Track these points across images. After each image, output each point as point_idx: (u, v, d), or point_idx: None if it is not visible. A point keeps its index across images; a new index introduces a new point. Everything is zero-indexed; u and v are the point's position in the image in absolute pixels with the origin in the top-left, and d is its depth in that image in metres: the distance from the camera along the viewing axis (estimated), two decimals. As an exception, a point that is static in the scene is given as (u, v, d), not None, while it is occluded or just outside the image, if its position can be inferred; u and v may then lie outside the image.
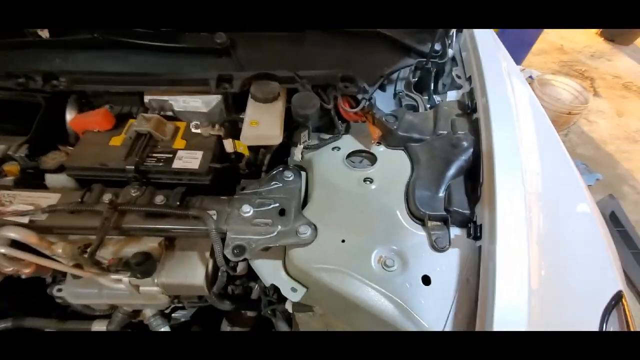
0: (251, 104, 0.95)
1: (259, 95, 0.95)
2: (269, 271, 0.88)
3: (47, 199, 0.89)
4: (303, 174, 1.00)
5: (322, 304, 0.88)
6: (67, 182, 0.98)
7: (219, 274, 0.89)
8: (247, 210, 0.89)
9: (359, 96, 1.02)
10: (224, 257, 0.84)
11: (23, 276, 0.95)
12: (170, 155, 0.93)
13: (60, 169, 0.96)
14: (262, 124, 0.91)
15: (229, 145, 1.02)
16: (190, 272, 0.93)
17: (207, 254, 0.97)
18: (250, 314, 1.33)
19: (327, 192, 0.92)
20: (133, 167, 0.88)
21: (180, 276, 0.92)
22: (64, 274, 1.10)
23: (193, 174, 0.91)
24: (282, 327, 1.03)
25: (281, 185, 0.99)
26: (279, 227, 0.88)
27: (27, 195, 0.90)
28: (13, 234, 0.82)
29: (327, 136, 1.07)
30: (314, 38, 1.11)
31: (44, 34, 0.93)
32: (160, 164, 0.91)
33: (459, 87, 1.14)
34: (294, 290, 0.86)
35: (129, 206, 0.85)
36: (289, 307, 0.99)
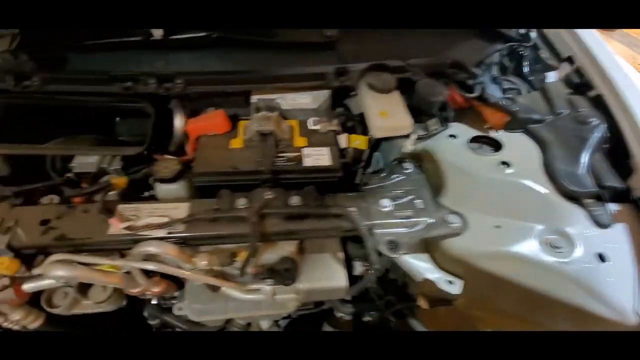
0: (369, 96, 0.92)
1: (379, 85, 0.92)
2: (422, 265, 0.85)
3: (176, 209, 0.83)
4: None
5: (476, 295, 0.86)
6: (181, 192, 0.92)
7: (369, 273, 0.85)
8: (386, 204, 0.86)
9: (469, 82, 1.01)
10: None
11: (148, 296, 0.88)
12: (297, 154, 0.89)
13: (175, 178, 0.90)
14: (392, 115, 0.88)
15: (343, 140, 0.98)
16: (330, 275, 0.89)
17: (340, 254, 0.93)
18: (347, 316, 1.29)
19: (461, 179, 0.90)
20: (267, 168, 0.83)
21: (321, 280, 0.88)
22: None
23: (326, 171, 0.87)
24: (418, 326, 1.01)
25: (403, 177, 0.97)
26: (425, 218, 0.85)
27: (153, 208, 0.84)
28: (154, 248, 0.76)
29: (433, 126, 1.05)
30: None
31: (158, 32, 0.86)
32: (290, 163, 0.86)
33: (553, 69, 1.15)
34: (451, 283, 0.84)
35: (274, 209, 0.81)
36: (423, 304, 0.96)
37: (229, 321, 1.07)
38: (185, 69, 0.91)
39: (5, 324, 0.84)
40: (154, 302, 1.11)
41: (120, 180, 0.91)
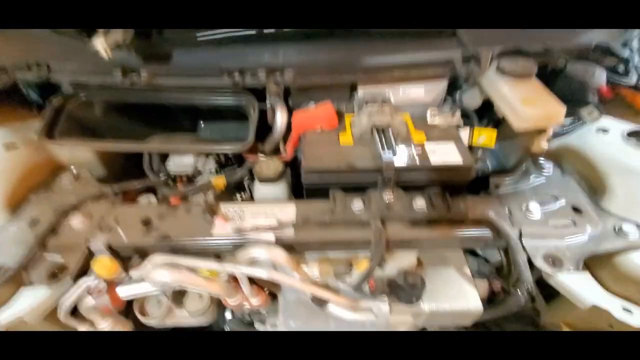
0: (504, 83, 0.78)
1: (518, 70, 0.78)
2: (586, 288, 0.67)
3: (283, 210, 0.73)
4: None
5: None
6: (281, 194, 0.83)
7: (516, 293, 0.68)
8: (536, 209, 0.70)
9: (619, 67, 0.84)
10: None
11: (246, 309, 0.78)
12: (420, 151, 0.76)
13: (278, 178, 0.81)
14: (539, 102, 0.73)
15: (465, 136, 0.84)
16: (460, 294, 0.73)
17: (466, 269, 0.77)
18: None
19: (630, 181, 0.72)
20: (389, 165, 0.71)
21: (450, 300, 0.72)
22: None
23: (457, 170, 0.73)
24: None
25: (543, 179, 0.80)
26: (588, 227, 0.68)
27: (257, 208, 0.74)
28: (264, 253, 0.65)
29: (590, 115, 0.87)
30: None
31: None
32: (414, 160, 0.74)
33: None
34: (627, 311, 0.64)
35: (398, 213, 0.68)
36: (570, 335, 0.77)
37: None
38: (293, 61, 0.83)
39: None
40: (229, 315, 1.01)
41: (220, 181, 0.84)
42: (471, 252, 0.91)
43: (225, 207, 0.75)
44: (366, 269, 0.64)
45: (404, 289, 0.68)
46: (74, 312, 0.72)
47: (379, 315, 0.73)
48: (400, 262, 0.73)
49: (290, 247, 0.70)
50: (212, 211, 0.72)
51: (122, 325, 0.79)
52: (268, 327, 0.88)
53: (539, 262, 0.64)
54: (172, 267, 0.64)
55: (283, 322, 0.82)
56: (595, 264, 0.70)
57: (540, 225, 0.69)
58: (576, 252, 0.65)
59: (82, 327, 0.76)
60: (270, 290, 0.86)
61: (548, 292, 0.86)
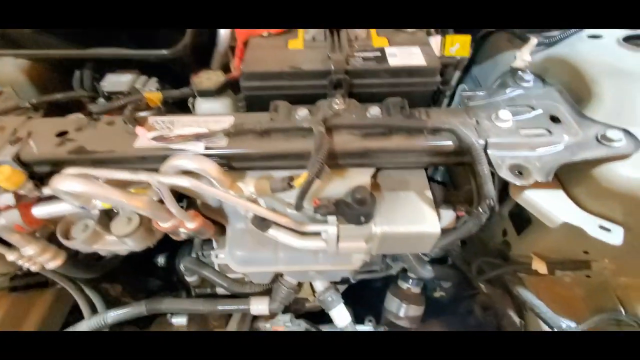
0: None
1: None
2: (557, 204, 0.59)
3: (218, 122, 0.63)
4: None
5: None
6: (224, 108, 0.73)
7: (475, 212, 0.59)
8: (507, 117, 0.61)
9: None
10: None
11: (182, 235, 0.70)
12: (378, 53, 0.65)
13: (219, 91, 0.71)
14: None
15: (435, 44, 0.73)
16: (417, 217, 0.65)
17: (427, 192, 0.69)
18: (416, 289, 1.05)
19: (621, 85, 0.62)
20: (339, 67, 0.61)
21: (404, 222, 0.64)
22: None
23: (420, 74, 0.63)
24: (528, 295, 0.74)
25: (522, 91, 0.70)
26: (565, 136, 0.58)
27: (190, 120, 0.65)
28: (188, 163, 0.56)
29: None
30: None
31: None
32: (370, 62, 0.63)
33: None
34: (606, 230, 0.57)
35: (347, 121, 0.59)
36: (541, 267, 0.70)
37: (277, 279, 0.87)
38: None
39: (22, 262, 0.71)
40: (193, 255, 0.95)
41: (155, 96, 0.74)
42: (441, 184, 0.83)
43: (153, 119, 0.65)
44: (305, 180, 0.56)
45: (352, 207, 0.59)
46: None
47: (328, 240, 0.66)
48: (351, 181, 0.64)
49: (224, 163, 0.61)
50: (136, 122, 0.63)
51: (53, 254, 0.72)
52: (219, 260, 0.81)
53: (504, 173, 0.55)
54: (83, 178, 0.56)
55: (229, 252, 0.76)
56: (571, 180, 0.61)
57: (510, 134, 0.59)
58: (548, 162, 0.56)
59: (10, 255, 0.70)
60: (218, 221, 0.79)
61: (520, 225, 0.79)
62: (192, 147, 0.59)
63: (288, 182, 0.58)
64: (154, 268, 1.18)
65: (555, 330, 0.69)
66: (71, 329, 0.86)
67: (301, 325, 0.92)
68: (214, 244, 0.87)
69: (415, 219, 0.65)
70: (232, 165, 0.62)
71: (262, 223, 0.64)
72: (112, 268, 1.02)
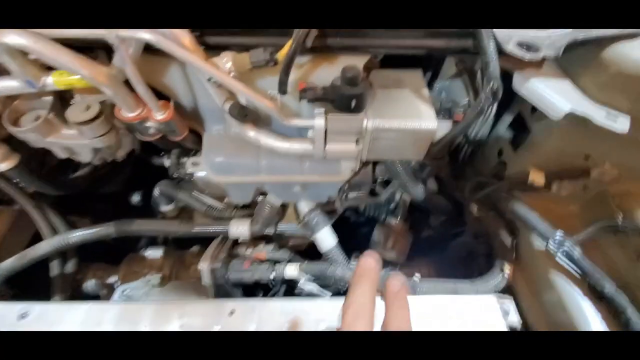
0: None
1: None
2: (562, 93, 0.54)
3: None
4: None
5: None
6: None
7: (482, 99, 0.54)
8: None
9: None
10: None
11: (152, 131, 0.63)
12: None
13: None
14: None
15: None
16: (413, 111, 0.60)
17: (425, 90, 0.63)
18: (404, 223, 1.01)
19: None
20: None
21: (399, 116, 0.59)
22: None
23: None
24: (520, 208, 0.70)
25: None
26: (577, 16, 0.54)
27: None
28: (151, 36, 0.48)
29: None
30: None
31: None
32: None
33: None
34: (611, 118, 0.53)
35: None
36: (538, 178, 0.66)
37: (258, 200, 0.81)
38: None
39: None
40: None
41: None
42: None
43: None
44: (288, 49, 0.49)
45: (342, 89, 0.53)
46: None
47: (316, 139, 0.60)
48: (341, 68, 0.57)
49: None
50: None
51: (3, 154, 0.63)
52: (194, 169, 0.74)
53: (511, 47, 0.50)
54: (32, 34, 0.47)
55: (205, 158, 0.69)
56: (577, 69, 0.57)
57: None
58: (558, 39, 0.51)
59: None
60: (194, 129, 0.71)
61: (517, 139, 0.76)
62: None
63: (271, 53, 0.51)
64: (131, 208, 1.11)
65: (550, 244, 0.66)
66: (30, 249, 0.78)
67: (285, 254, 0.86)
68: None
69: (411, 114, 0.59)
70: (206, 42, 0.55)
71: (241, 111, 0.58)
72: (82, 198, 0.94)
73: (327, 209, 0.86)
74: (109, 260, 1.01)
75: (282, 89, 0.53)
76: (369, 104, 0.60)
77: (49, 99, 0.60)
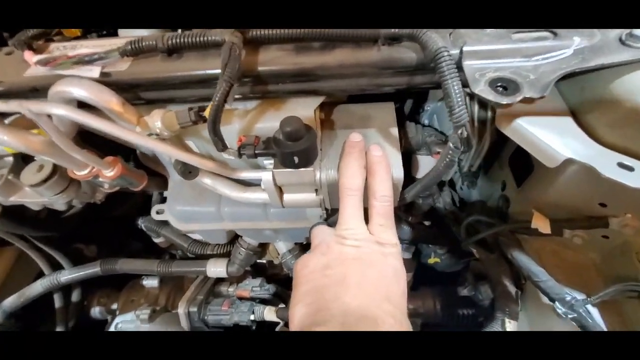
0: None
1: None
2: (560, 136, 0.43)
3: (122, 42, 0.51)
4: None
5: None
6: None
7: (449, 150, 0.44)
8: (493, 18, 0.44)
9: None
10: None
11: (106, 186, 0.61)
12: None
13: None
14: None
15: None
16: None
17: (393, 129, 0.54)
18: (406, 254, 0.92)
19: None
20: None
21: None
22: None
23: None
24: (523, 260, 0.59)
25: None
26: (576, 39, 0.41)
27: (96, 43, 0.53)
28: (75, 89, 0.45)
29: None
30: None
31: None
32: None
33: None
34: (625, 167, 0.40)
35: (275, 31, 0.44)
36: (542, 225, 0.55)
37: (234, 241, 0.77)
38: None
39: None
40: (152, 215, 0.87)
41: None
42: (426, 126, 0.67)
43: (56, 45, 0.54)
44: (212, 104, 0.43)
45: (282, 144, 0.47)
46: None
47: (268, 190, 0.54)
48: (291, 114, 0.50)
49: (127, 93, 0.49)
50: (27, 48, 0.52)
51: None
52: (159, 217, 0.72)
53: (480, 89, 0.40)
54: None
55: (168, 207, 0.66)
56: (581, 102, 0.44)
57: (497, 39, 0.43)
58: (547, 72, 0.40)
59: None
60: (160, 173, 0.69)
61: (521, 173, 0.63)
62: (85, 72, 0.48)
63: (197, 112, 0.46)
64: (135, 230, 1.14)
65: (558, 306, 0.55)
66: (27, 289, 0.82)
67: (270, 290, 0.83)
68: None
69: (372, 162, 0.51)
70: (139, 96, 0.51)
71: (184, 169, 0.53)
72: (87, 226, 0.97)
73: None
74: (114, 281, 1.04)
75: (219, 147, 0.48)
76: (325, 150, 0.53)
77: (10, 159, 0.60)
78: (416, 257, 0.96)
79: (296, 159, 0.47)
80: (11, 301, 0.81)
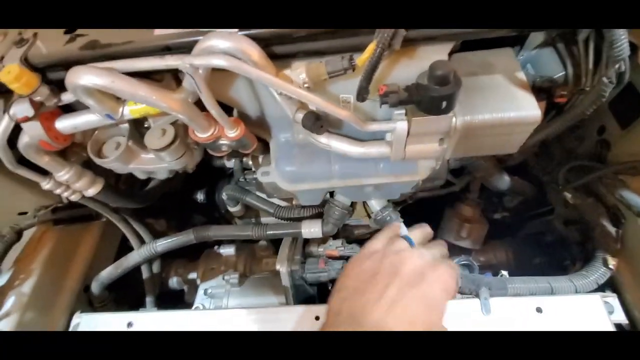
0: None
1: None
2: None
3: None
4: None
5: None
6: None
7: (604, 83, 0.45)
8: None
9: None
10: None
11: (223, 148, 0.62)
12: None
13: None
14: None
15: None
16: (509, 100, 0.52)
17: (520, 74, 0.55)
18: (478, 209, 0.94)
19: None
20: None
21: (495, 107, 0.52)
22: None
23: None
24: (631, 197, 0.61)
25: None
26: None
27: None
28: (224, 42, 0.45)
29: None
30: None
31: None
32: None
33: None
34: None
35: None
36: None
37: (327, 200, 0.79)
38: None
39: (59, 191, 0.66)
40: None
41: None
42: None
43: None
44: (371, 54, 0.43)
45: (430, 90, 0.47)
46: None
47: (395, 141, 0.55)
48: (424, 62, 0.51)
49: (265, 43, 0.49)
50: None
51: (90, 180, 0.66)
52: (265, 179, 0.73)
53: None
54: (106, 70, 0.47)
55: (276, 168, 0.67)
56: None
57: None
58: None
59: (45, 184, 0.65)
60: (260, 137, 0.69)
61: (626, 116, 0.65)
62: (226, 31, 0.47)
63: (349, 60, 0.46)
64: (197, 205, 1.15)
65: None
66: (124, 260, 0.84)
67: (354, 249, 0.85)
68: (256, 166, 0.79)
69: (508, 104, 0.52)
70: (274, 52, 0.51)
71: (315, 123, 0.54)
72: (155, 201, 0.98)
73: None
74: (187, 253, 1.06)
75: (362, 97, 0.48)
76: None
77: (126, 126, 0.60)
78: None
79: (444, 104, 0.48)
80: (109, 272, 0.83)
